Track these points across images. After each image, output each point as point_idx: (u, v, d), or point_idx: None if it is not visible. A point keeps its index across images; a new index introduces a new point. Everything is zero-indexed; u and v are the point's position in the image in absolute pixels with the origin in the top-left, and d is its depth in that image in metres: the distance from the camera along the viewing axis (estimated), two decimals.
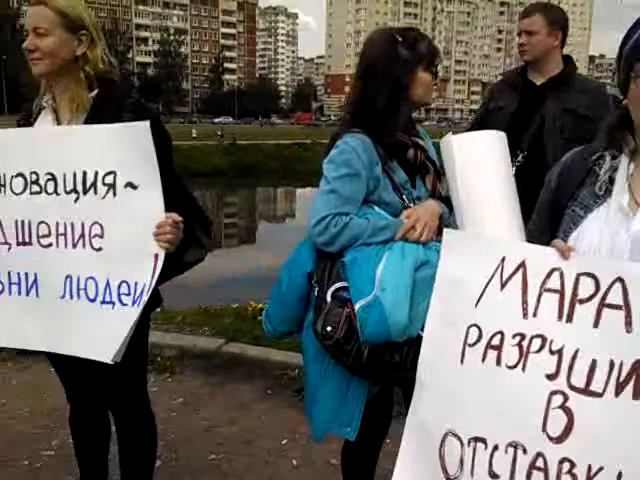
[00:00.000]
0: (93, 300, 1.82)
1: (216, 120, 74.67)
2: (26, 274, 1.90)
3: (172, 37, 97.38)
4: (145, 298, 1.74)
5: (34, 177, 1.83)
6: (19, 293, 1.92)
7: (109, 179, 1.76)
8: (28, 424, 3.27)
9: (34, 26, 1.80)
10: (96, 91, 1.88)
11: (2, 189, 1.88)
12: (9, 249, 1.90)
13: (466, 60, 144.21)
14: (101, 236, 1.78)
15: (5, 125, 2.05)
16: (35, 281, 1.89)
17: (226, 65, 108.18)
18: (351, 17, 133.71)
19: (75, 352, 1.85)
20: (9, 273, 1.92)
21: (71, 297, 1.85)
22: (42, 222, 1.84)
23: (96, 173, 1.76)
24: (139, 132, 1.71)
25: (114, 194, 1.75)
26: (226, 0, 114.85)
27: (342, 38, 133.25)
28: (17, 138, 1.91)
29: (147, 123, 1.68)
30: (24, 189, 1.85)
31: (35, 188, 1.84)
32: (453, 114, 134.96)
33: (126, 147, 1.73)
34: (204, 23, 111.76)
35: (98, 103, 1.87)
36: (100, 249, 1.79)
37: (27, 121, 1.97)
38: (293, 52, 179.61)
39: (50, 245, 1.84)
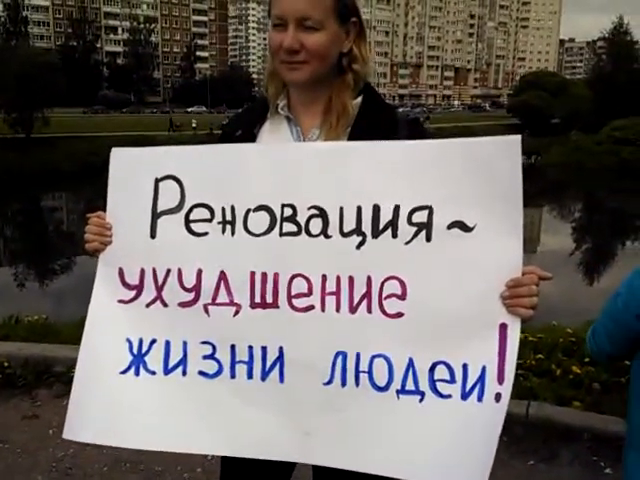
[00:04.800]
0: (383, 389, 1.29)
1: (189, 109, 73.56)
2: (264, 349, 1.34)
3: (142, 25, 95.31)
4: (500, 390, 1.22)
5: (288, 212, 1.31)
6: (249, 376, 1.35)
7: (419, 217, 1.25)
8: None
9: (302, 15, 1.31)
10: (360, 98, 1.42)
11: (228, 227, 1.35)
12: (236, 312, 1.35)
13: (439, 45, 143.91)
14: (401, 297, 1.26)
15: None
16: (279, 359, 1.33)
17: (198, 53, 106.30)
18: None
19: (373, 468, 1.30)
20: (233, 348, 1.36)
21: (343, 384, 1.30)
22: (298, 275, 1.31)
23: (396, 208, 1.26)
24: (504, 148, 1.20)
25: (427, 238, 1.25)
26: None
27: None
28: (257, 157, 1.36)
29: (519, 137, 1.19)
30: (269, 228, 1.33)
31: (289, 227, 1.31)
32: (426, 100, 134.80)
33: (461, 170, 1.23)
34: (174, 11, 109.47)
35: (365, 114, 1.40)
36: (399, 315, 1.27)
37: (248, 133, 1.46)
38: (264, 39, 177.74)
39: (310, 308, 1.31)
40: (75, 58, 76.97)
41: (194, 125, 44.80)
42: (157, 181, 1.41)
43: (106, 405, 1.43)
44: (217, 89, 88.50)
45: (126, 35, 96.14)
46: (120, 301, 1.44)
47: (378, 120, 1.41)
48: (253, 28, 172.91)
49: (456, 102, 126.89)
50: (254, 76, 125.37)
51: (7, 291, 13.48)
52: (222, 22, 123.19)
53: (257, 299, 1.35)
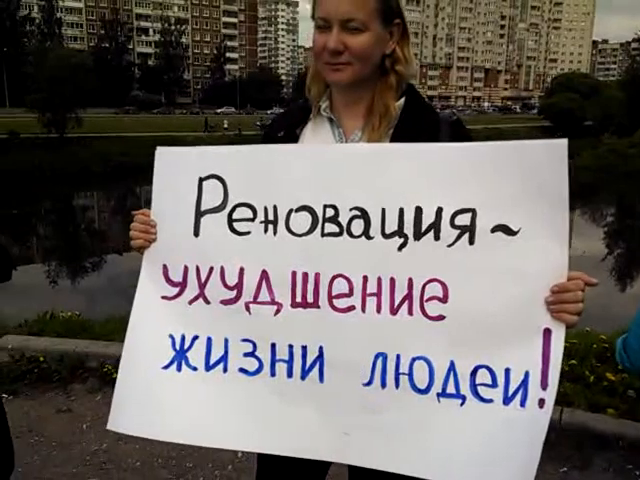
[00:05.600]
0: (423, 391, 1.29)
1: (219, 110, 74.16)
2: (304, 348, 1.35)
3: (173, 27, 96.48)
4: (544, 395, 1.21)
5: (330, 212, 1.32)
6: (289, 375, 1.36)
7: (462, 219, 1.25)
8: (143, 478, 2.94)
9: (346, 17, 1.32)
10: (403, 99, 1.42)
11: (270, 227, 1.37)
12: (277, 312, 1.37)
13: (469, 47, 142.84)
14: (443, 299, 1.26)
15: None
16: (319, 359, 1.34)
17: (227, 55, 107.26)
18: None
19: (410, 470, 1.29)
20: (273, 346, 1.38)
21: (383, 385, 1.30)
22: (339, 276, 1.32)
23: (439, 210, 1.26)
24: (550, 152, 1.19)
25: (470, 241, 1.24)
26: None
27: None
28: (299, 157, 1.37)
29: (565, 141, 1.18)
30: (311, 229, 1.34)
31: (331, 228, 1.32)
32: (456, 101, 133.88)
33: (506, 173, 1.22)
34: (205, 12, 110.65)
35: (407, 116, 1.41)
36: (441, 317, 1.27)
37: (290, 133, 1.49)
38: (293, 41, 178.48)
39: (351, 309, 1.32)
40: (107, 59, 78.20)
41: (226, 126, 45.45)
42: (201, 180, 1.43)
43: (148, 399, 1.46)
44: (246, 90, 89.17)
45: (157, 36, 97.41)
46: (164, 297, 1.47)
47: (421, 122, 1.41)
48: (282, 30, 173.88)
49: (486, 104, 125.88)
50: (283, 77, 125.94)
51: (39, 288, 13.76)
52: (252, 23, 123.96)
53: (298, 298, 1.36)
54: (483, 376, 1.26)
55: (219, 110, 74.78)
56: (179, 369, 1.45)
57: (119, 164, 34.17)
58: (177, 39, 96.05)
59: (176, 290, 1.46)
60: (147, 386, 1.46)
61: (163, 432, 1.47)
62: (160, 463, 3.06)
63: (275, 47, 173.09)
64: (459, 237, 1.26)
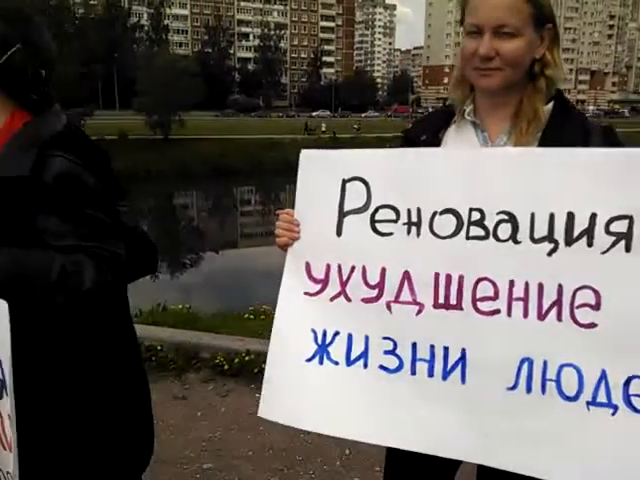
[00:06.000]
0: (572, 398, 1.27)
1: (314, 114, 75.16)
2: (446, 349, 1.36)
3: (272, 32, 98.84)
4: None
5: (476, 216, 1.32)
6: (430, 374, 1.38)
7: (618, 226, 1.21)
8: (255, 467, 3.06)
9: (499, 23, 1.33)
10: (551, 104, 1.42)
11: (413, 229, 1.39)
12: (419, 312, 1.38)
13: (574, 48, 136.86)
14: (595, 307, 1.23)
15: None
16: (462, 360, 1.35)
17: (324, 59, 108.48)
18: (452, 6, 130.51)
19: (553, 477, 1.28)
20: (414, 345, 1.39)
21: (528, 390, 1.29)
22: (484, 279, 1.32)
23: (592, 217, 1.23)
24: None
25: (627, 249, 1.21)
26: None
27: (442, 28, 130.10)
28: (445, 161, 1.39)
29: None
30: (456, 231, 1.34)
31: (476, 231, 1.32)
32: None
33: None
34: (303, 17, 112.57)
35: (556, 120, 1.40)
36: (592, 325, 1.24)
37: (433, 137, 1.51)
38: (390, 44, 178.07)
39: (495, 312, 1.31)
40: (209, 64, 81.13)
41: (324, 129, 46.40)
42: (344, 182, 1.47)
43: (293, 389, 1.52)
44: (341, 93, 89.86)
45: (257, 41, 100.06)
46: (306, 293, 1.52)
47: (570, 127, 1.39)
48: (379, 33, 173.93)
49: (591, 107, 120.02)
50: (378, 80, 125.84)
51: (146, 280, 14.46)
52: (349, 27, 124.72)
53: (441, 300, 1.36)
54: (638, 387, 1.22)
55: (314, 113, 75.79)
56: (321, 362, 1.50)
57: (218, 165, 35.40)
58: (276, 44, 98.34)
59: (318, 287, 1.51)
60: (292, 377, 1.52)
61: (306, 422, 1.52)
62: (271, 454, 3.17)
63: (371, 50, 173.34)
64: (614, 244, 1.22)
